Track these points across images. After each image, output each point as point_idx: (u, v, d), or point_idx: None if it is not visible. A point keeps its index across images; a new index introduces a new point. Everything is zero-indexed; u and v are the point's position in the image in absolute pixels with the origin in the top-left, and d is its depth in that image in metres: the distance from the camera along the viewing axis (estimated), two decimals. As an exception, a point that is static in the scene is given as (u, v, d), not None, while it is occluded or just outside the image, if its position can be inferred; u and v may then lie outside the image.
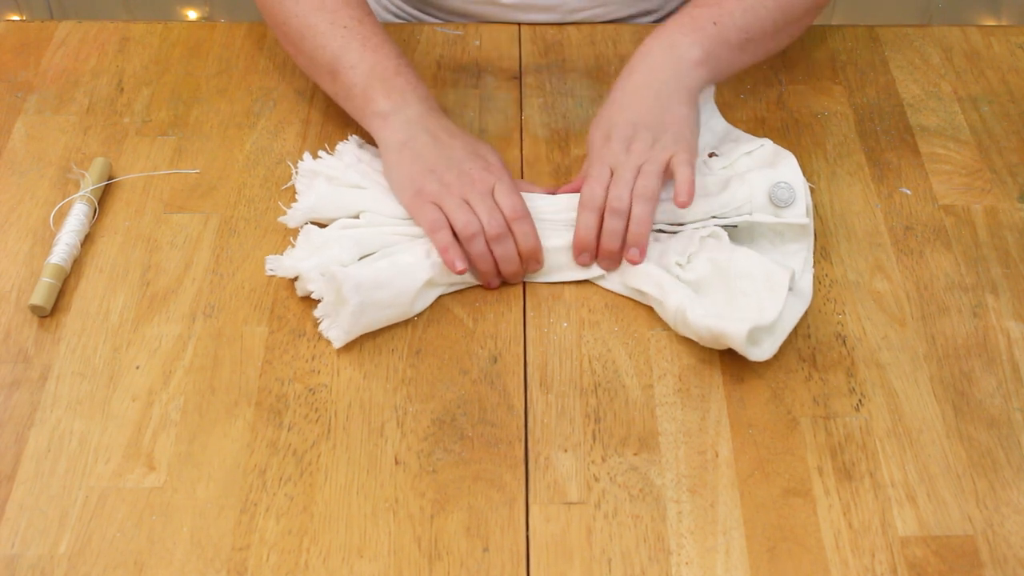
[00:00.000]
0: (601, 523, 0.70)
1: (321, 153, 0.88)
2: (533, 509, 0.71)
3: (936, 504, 0.71)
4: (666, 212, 0.83)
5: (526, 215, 0.81)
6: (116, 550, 0.68)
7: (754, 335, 0.75)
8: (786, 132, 0.95)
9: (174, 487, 0.71)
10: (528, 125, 0.95)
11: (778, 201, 0.81)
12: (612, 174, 0.81)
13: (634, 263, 0.80)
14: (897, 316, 0.81)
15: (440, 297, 0.82)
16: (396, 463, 0.72)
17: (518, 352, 0.79)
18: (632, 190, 0.80)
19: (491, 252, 0.80)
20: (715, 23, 0.84)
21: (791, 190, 0.82)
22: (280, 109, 0.96)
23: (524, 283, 0.83)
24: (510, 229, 0.80)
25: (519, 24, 1.05)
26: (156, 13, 1.97)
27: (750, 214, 0.82)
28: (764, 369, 0.77)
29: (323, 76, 0.89)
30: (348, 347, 0.79)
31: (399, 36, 1.02)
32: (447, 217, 0.80)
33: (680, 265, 0.79)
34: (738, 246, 0.80)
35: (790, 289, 0.78)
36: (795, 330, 0.79)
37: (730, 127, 0.93)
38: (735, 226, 0.83)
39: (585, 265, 0.82)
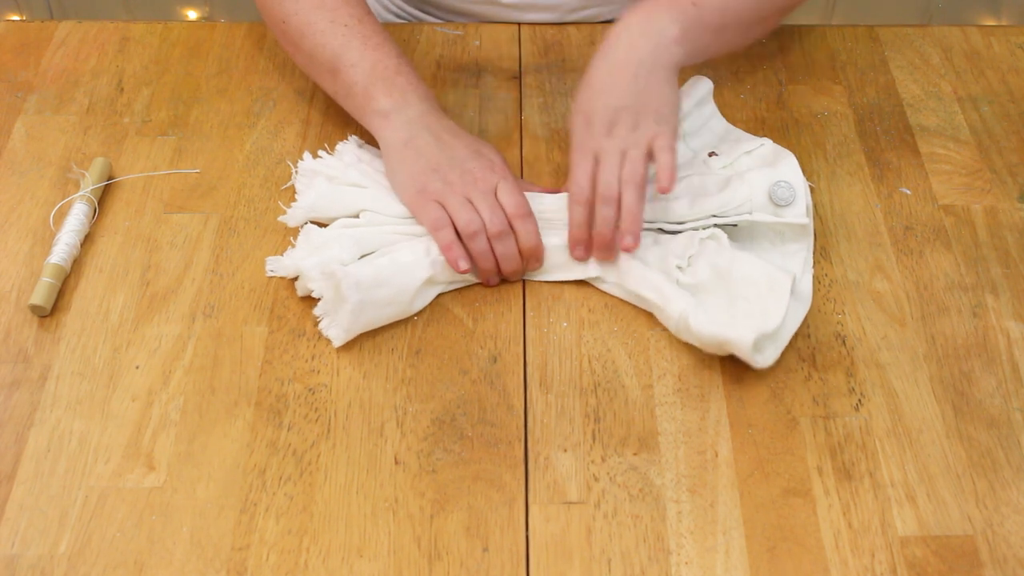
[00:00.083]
0: (601, 523, 0.70)
1: (321, 153, 0.88)
2: (533, 509, 0.71)
3: (936, 504, 0.71)
4: (665, 211, 0.83)
5: (528, 214, 0.81)
6: (116, 550, 0.68)
7: (758, 342, 0.75)
8: (786, 132, 0.95)
9: (174, 487, 0.71)
10: (528, 125, 0.95)
11: (778, 200, 0.81)
12: (597, 161, 0.80)
13: (629, 250, 0.79)
14: (897, 316, 0.81)
15: (440, 297, 0.82)
16: (396, 463, 0.73)
17: (518, 352, 0.79)
18: (620, 177, 0.79)
19: (492, 250, 0.80)
20: (694, 3, 0.83)
21: (791, 189, 0.82)
22: (280, 109, 0.96)
23: (524, 283, 0.83)
24: (512, 227, 0.80)
25: (519, 24, 1.05)
26: (156, 13, 1.97)
27: (750, 213, 0.82)
28: (764, 369, 0.77)
29: (323, 75, 0.89)
30: (348, 347, 0.79)
31: (399, 36, 1.02)
32: (449, 215, 0.80)
33: (680, 268, 0.79)
34: (739, 250, 0.79)
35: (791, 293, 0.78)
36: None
37: (730, 127, 0.93)
38: (735, 225, 0.83)
39: (581, 259, 0.82)
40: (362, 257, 0.81)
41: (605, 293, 0.82)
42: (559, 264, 0.83)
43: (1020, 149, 0.94)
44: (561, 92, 0.98)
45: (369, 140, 0.90)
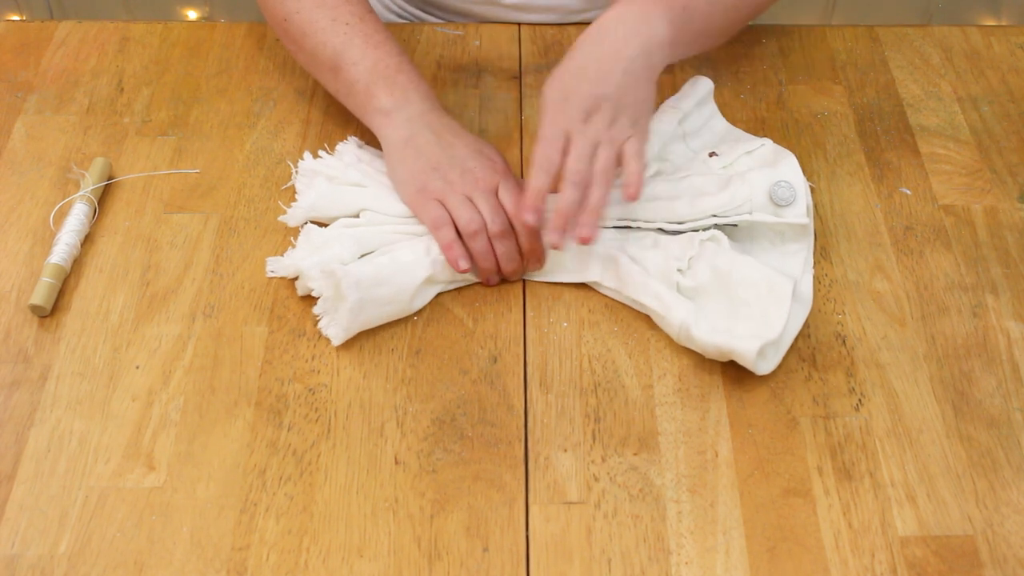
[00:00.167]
0: (601, 523, 0.70)
1: (321, 153, 0.88)
2: (533, 509, 0.71)
3: (936, 504, 0.71)
4: (665, 211, 0.83)
5: None
6: (116, 550, 0.68)
7: (761, 350, 0.75)
8: (786, 132, 0.95)
9: (174, 487, 0.71)
10: (528, 125, 0.95)
11: (778, 200, 0.81)
12: (568, 141, 0.78)
13: (585, 243, 0.77)
14: (897, 316, 0.81)
15: (440, 297, 0.82)
16: (396, 463, 0.73)
17: (518, 352, 0.79)
18: (591, 168, 0.78)
19: (493, 250, 0.80)
20: (685, 7, 0.83)
21: (791, 189, 0.82)
22: (280, 109, 0.96)
23: (524, 283, 0.83)
24: (512, 227, 0.80)
25: (519, 24, 1.05)
26: (156, 13, 1.97)
27: (750, 213, 0.82)
28: (764, 369, 0.77)
29: (324, 73, 0.89)
30: (348, 347, 0.79)
31: (399, 36, 1.02)
32: (450, 214, 0.80)
33: (680, 271, 0.79)
34: (739, 253, 0.79)
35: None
36: (795, 330, 0.79)
37: (730, 127, 0.93)
38: (735, 225, 0.83)
39: (531, 225, 0.78)
40: (362, 256, 0.81)
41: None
42: (560, 265, 0.83)
43: (1020, 149, 0.94)
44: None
45: (370, 139, 0.90)
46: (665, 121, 0.88)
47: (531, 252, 0.81)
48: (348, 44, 0.86)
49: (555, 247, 0.78)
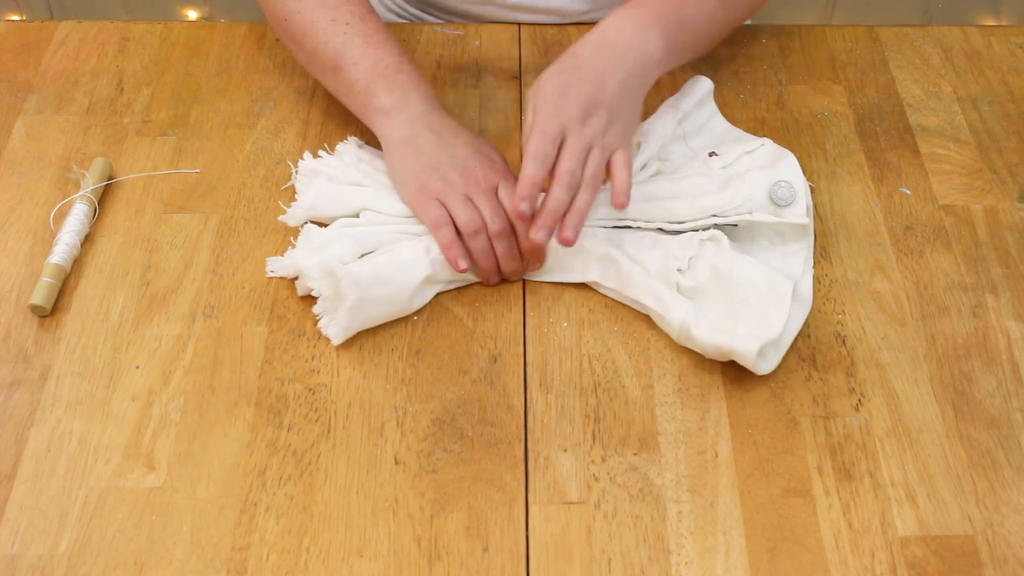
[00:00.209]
0: (601, 523, 0.70)
1: (321, 152, 0.88)
2: (533, 509, 0.71)
3: (936, 504, 0.71)
4: (665, 211, 0.83)
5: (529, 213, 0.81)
6: (116, 550, 0.68)
7: (761, 350, 0.75)
8: (786, 132, 0.95)
9: (174, 487, 0.71)
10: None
11: (778, 200, 0.81)
12: (563, 137, 0.79)
13: (567, 244, 0.77)
14: (897, 316, 0.81)
15: (440, 297, 0.82)
16: (396, 463, 0.73)
17: (518, 352, 0.79)
18: (582, 171, 0.78)
19: (493, 249, 0.80)
20: (680, 26, 0.85)
21: (791, 189, 0.82)
22: (280, 109, 0.96)
23: (524, 283, 0.83)
24: (512, 227, 0.80)
25: (519, 24, 1.05)
26: (156, 13, 1.97)
27: (750, 213, 0.82)
28: (764, 369, 0.77)
29: (325, 73, 0.89)
30: (348, 347, 0.79)
31: (399, 36, 1.02)
32: (450, 214, 0.80)
33: (680, 271, 0.79)
34: (739, 253, 0.79)
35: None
36: (795, 330, 0.79)
37: (730, 127, 0.93)
38: (735, 225, 0.83)
39: (523, 215, 0.78)
40: (362, 256, 0.81)
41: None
42: (560, 265, 0.83)
43: (1020, 149, 0.94)
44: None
45: (370, 140, 0.90)
46: (665, 121, 0.88)
47: (531, 252, 0.81)
48: (348, 44, 0.87)
49: (539, 244, 0.79)
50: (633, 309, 0.81)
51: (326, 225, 0.84)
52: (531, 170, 0.77)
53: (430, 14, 1.11)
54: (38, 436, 0.73)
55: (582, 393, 0.76)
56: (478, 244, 0.80)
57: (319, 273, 0.78)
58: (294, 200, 0.86)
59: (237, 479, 0.71)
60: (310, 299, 0.81)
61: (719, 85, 0.97)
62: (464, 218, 0.80)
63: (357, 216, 0.83)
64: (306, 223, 0.84)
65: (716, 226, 0.82)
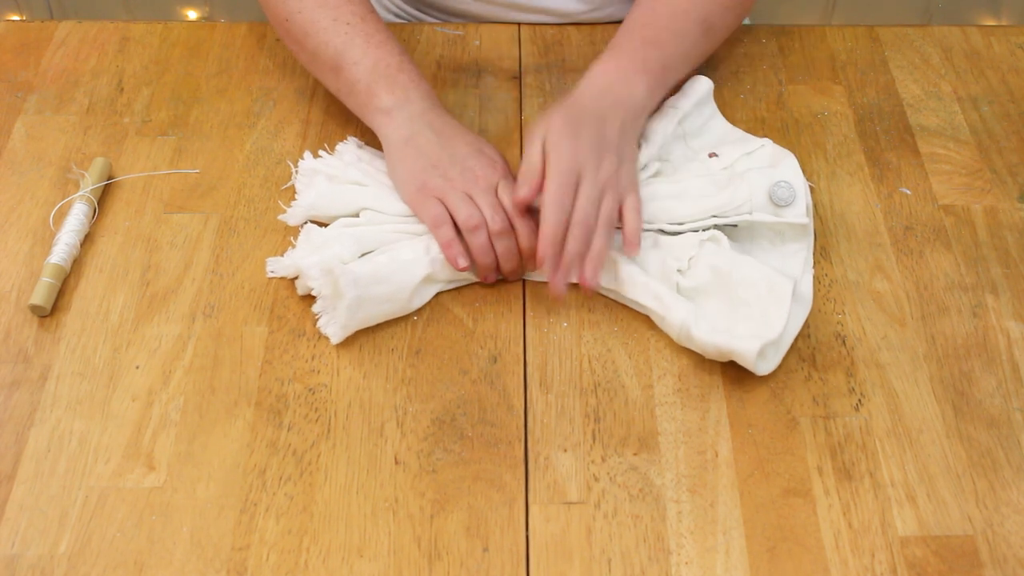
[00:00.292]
0: (601, 523, 0.70)
1: (321, 152, 0.88)
2: (533, 509, 0.71)
3: (936, 504, 0.71)
4: (666, 212, 0.83)
5: (528, 212, 0.81)
6: (116, 550, 0.68)
7: (761, 350, 0.75)
8: (786, 132, 0.95)
9: (174, 487, 0.71)
10: (528, 125, 0.95)
11: (778, 200, 0.81)
12: (579, 179, 0.79)
13: (587, 287, 0.78)
14: (897, 316, 0.81)
15: (440, 296, 0.82)
16: (396, 463, 0.73)
17: (518, 352, 0.79)
18: (597, 215, 0.79)
19: (492, 246, 0.80)
20: (664, 67, 0.87)
21: (791, 189, 0.82)
22: (280, 109, 0.96)
23: (524, 283, 0.83)
24: (512, 226, 0.80)
25: (519, 24, 1.05)
26: (156, 13, 1.97)
27: (750, 213, 0.82)
28: (764, 369, 0.77)
29: (326, 73, 0.89)
30: (348, 347, 0.79)
31: (399, 36, 1.02)
32: (449, 212, 0.80)
33: (680, 272, 0.79)
34: (739, 254, 0.79)
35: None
36: (795, 330, 0.79)
37: (730, 127, 0.93)
38: (735, 225, 0.83)
39: (547, 266, 0.78)
40: (362, 256, 0.81)
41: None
42: (559, 264, 0.83)
43: (1020, 149, 0.94)
44: (561, 92, 0.98)
45: (370, 140, 0.90)
46: (665, 121, 0.89)
47: (530, 252, 0.81)
48: (349, 44, 0.87)
49: (560, 294, 0.79)
50: (633, 309, 0.81)
51: (326, 225, 0.84)
52: (552, 217, 0.77)
53: (428, 14, 1.11)
54: (38, 436, 0.73)
55: (582, 393, 0.76)
56: (477, 240, 0.80)
57: (319, 272, 0.78)
58: (294, 200, 0.86)
59: (237, 479, 0.71)
60: (310, 299, 0.81)
61: (719, 85, 0.97)
62: (464, 214, 0.80)
63: (357, 216, 0.83)
64: (306, 223, 0.84)
65: (716, 227, 0.82)
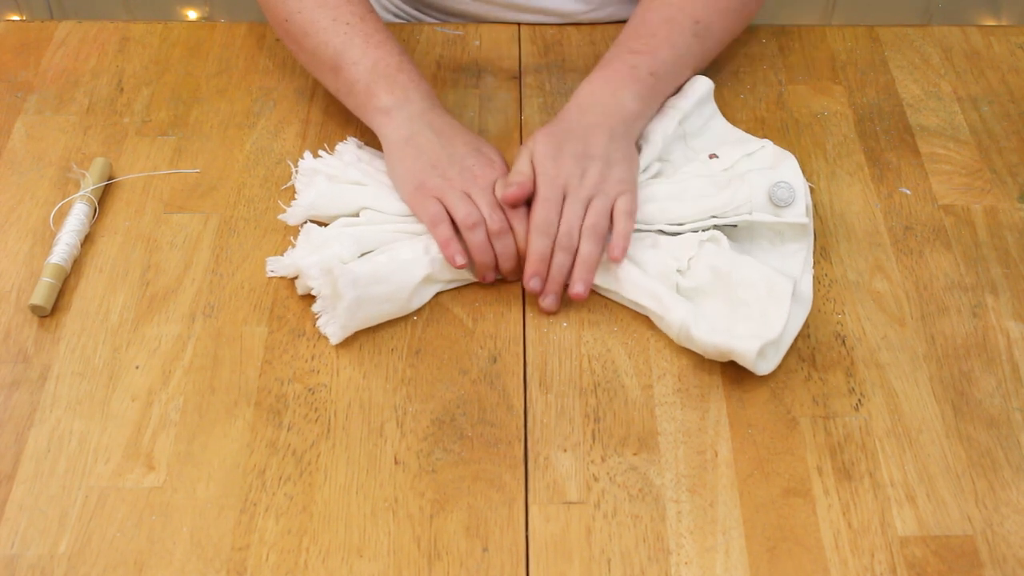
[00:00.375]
0: (601, 523, 0.70)
1: (321, 152, 0.89)
2: (533, 509, 0.71)
3: (935, 504, 0.71)
4: (665, 212, 0.83)
5: (527, 212, 0.81)
6: (116, 550, 0.68)
7: (761, 350, 0.75)
8: (786, 132, 0.95)
9: (174, 487, 0.71)
10: (528, 125, 0.95)
11: (778, 201, 0.81)
12: (564, 197, 0.80)
13: (578, 299, 0.79)
14: (897, 316, 0.81)
15: (439, 296, 0.82)
16: (396, 463, 0.73)
17: (518, 352, 0.79)
18: (581, 225, 0.80)
19: (491, 244, 0.80)
20: (652, 74, 0.87)
21: (791, 190, 0.82)
22: (280, 109, 0.96)
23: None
24: (510, 225, 0.80)
25: (519, 24, 1.05)
26: (156, 13, 1.97)
27: (750, 213, 0.82)
28: (764, 369, 0.77)
29: (325, 73, 0.89)
30: (348, 347, 0.79)
31: (399, 36, 1.02)
32: (448, 211, 0.80)
33: (680, 272, 0.79)
34: (738, 254, 0.79)
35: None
36: (795, 330, 0.79)
37: (730, 128, 0.93)
38: (735, 226, 0.83)
39: (535, 292, 0.80)
40: (362, 255, 0.81)
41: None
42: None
43: (1020, 149, 0.94)
44: (561, 92, 0.98)
45: (370, 140, 0.90)
46: (666, 121, 0.89)
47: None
48: (349, 44, 0.87)
49: (551, 310, 0.80)
50: (633, 309, 0.81)
51: (326, 224, 0.84)
52: (537, 244, 0.79)
53: (427, 14, 1.11)
54: (38, 436, 0.73)
55: (582, 393, 0.76)
56: (476, 239, 0.80)
57: (318, 272, 0.78)
58: (294, 200, 0.86)
59: (237, 479, 0.71)
60: (310, 299, 0.81)
61: (719, 85, 0.97)
62: (462, 213, 0.80)
63: (357, 215, 0.83)
64: (306, 222, 0.84)
65: (716, 227, 0.82)
